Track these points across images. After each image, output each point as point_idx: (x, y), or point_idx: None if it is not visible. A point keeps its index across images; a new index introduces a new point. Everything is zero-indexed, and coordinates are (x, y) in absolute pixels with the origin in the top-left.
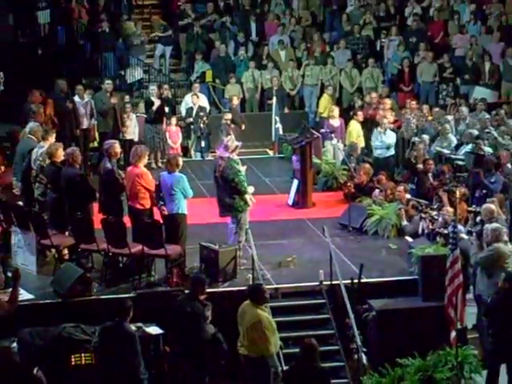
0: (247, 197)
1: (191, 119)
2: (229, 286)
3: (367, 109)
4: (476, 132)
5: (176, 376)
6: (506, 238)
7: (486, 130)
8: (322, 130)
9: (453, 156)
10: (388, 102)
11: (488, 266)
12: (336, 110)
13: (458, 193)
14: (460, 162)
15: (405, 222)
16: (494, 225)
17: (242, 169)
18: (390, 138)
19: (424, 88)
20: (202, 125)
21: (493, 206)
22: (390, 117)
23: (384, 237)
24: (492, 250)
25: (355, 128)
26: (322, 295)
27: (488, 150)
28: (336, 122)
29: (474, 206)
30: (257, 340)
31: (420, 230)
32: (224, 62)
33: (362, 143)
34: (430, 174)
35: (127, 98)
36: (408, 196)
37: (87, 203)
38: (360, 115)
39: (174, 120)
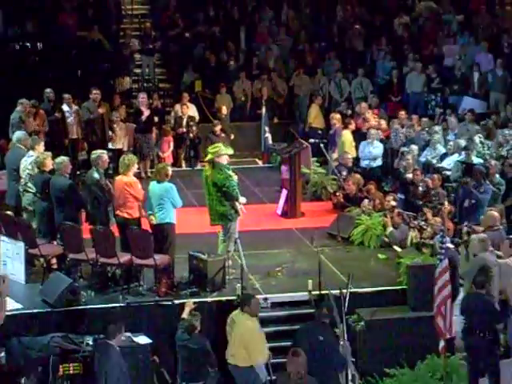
0: (238, 205)
1: (183, 129)
2: (217, 295)
3: (357, 119)
4: (463, 142)
5: None
6: (491, 247)
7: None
8: (312, 140)
9: (441, 166)
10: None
11: (473, 276)
12: (335, 117)
13: (444, 208)
14: (448, 172)
15: (391, 229)
16: (481, 235)
17: (235, 176)
18: (377, 148)
19: (413, 98)
20: (191, 134)
21: (496, 213)
22: (384, 124)
23: (370, 247)
24: (477, 260)
25: (348, 138)
26: (310, 305)
27: (478, 160)
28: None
29: (465, 223)
30: (245, 350)
31: (409, 241)
32: (214, 72)
33: (354, 153)
34: (418, 184)
35: (123, 107)
36: (394, 203)
37: (76, 213)
38: (353, 125)
39: (165, 129)
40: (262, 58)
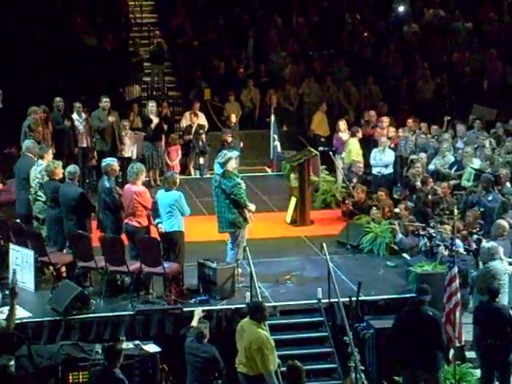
0: (247, 212)
1: (190, 136)
2: (227, 303)
3: (365, 127)
4: (472, 150)
5: None
6: (501, 256)
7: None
8: (321, 148)
9: (451, 174)
10: (386, 120)
11: (482, 284)
12: (341, 124)
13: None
14: (455, 181)
15: (400, 236)
16: (490, 243)
17: (243, 184)
18: (388, 156)
19: (422, 106)
20: (200, 142)
21: (504, 222)
22: (392, 133)
23: (380, 255)
24: (486, 268)
25: (355, 146)
26: (320, 313)
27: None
28: (345, 135)
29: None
30: (255, 358)
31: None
32: (223, 80)
33: (361, 161)
34: (429, 193)
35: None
36: (397, 210)
37: (87, 219)
38: (360, 133)
39: (173, 138)
40: (271, 65)
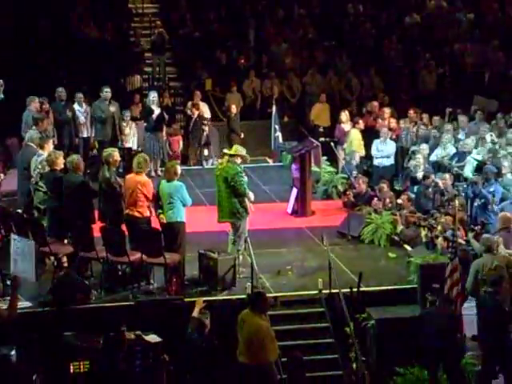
0: (247, 201)
1: (190, 128)
2: (228, 294)
3: (367, 117)
4: (473, 142)
5: None
6: (497, 248)
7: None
8: (322, 139)
9: (452, 165)
10: (387, 111)
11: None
12: (343, 115)
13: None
14: (459, 171)
15: (401, 227)
16: (487, 235)
17: (245, 177)
18: (390, 147)
19: (424, 97)
20: (204, 134)
21: (509, 215)
22: (393, 124)
23: (381, 246)
24: (476, 261)
25: (356, 136)
26: (320, 304)
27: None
28: (346, 126)
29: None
30: (256, 348)
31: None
32: (224, 71)
33: (362, 152)
34: (429, 186)
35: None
36: (399, 201)
37: (89, 209)
38: (361, 123)
39: (175, 128)
40: (272, 56)
